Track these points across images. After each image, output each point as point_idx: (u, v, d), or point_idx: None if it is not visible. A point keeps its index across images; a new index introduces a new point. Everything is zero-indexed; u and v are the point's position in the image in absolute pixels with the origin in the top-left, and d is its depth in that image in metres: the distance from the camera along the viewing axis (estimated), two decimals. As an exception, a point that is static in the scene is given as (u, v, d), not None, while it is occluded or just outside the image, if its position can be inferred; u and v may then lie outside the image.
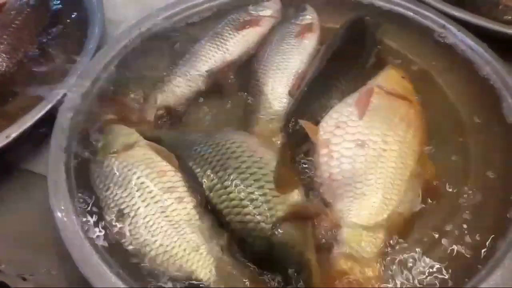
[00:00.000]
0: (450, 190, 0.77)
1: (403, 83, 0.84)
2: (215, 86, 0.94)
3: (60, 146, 0.79)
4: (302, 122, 0.79)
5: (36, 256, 0.78)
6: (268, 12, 1.02)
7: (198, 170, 0.74)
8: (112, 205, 0.73)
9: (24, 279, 0.75)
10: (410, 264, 0.69)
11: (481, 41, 0.92)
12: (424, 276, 0.68)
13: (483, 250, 0.69)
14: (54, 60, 1.00)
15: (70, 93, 0.87)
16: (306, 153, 0.79)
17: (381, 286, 0.65)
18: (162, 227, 0.70)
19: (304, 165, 0.78)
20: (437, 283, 0.67)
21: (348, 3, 1.03)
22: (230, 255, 0.69)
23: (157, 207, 0.71)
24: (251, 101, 0.90)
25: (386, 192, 0.70)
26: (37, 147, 0.89)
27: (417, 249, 0.70)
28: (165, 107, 0.91)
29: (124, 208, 0.72)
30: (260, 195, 0.70)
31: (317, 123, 0.79)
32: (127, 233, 0.71)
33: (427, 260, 0.70)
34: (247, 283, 0.66)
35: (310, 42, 0.96)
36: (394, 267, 0.68)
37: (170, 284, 0.68)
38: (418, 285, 0.67)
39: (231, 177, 0.72)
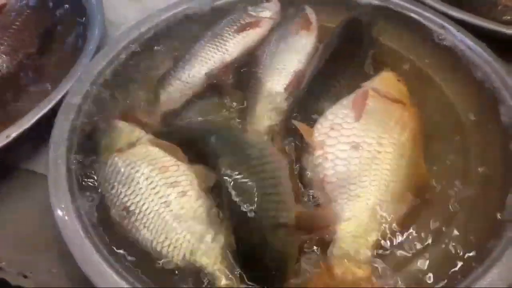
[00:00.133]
0: (446, 189, 0.77)
1: (398, 86, 0.85)
2: (214, 86, 0.94)
3: (60, 146, 0.80)
4: (296, 123, 0.79)
5: (36, 255, 0.78)
6: (267, 13, 1.02)
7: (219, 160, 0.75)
8: (118, 203, 0.74)
9: (25, 276, 0.76)
10: (405, 264, 0.69)
11: (480, 41, 0.92)
12: (419, 276, 0.69)
13: (480, 248, 0.70)
14: (54, 62, 1.01)
15: (70, 93, 0.88)
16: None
17: (376, 286, 0.65)
18: (167, 221, 0.71)
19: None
20: (433, 283, 0.68)
21: (347, 2, 1.03)
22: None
23: (161, 202, 0.72)
24: (249, 100, 0.90)
25: (380, 194, 0.71)
26: (38, 147, 0.89)
27: (411, 249, 0.70)
28: (166, 109, 0.91)
29: (129, 206, 0.73)
30: (275, 193, 0.71)
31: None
32: (133, 230, 0.72)
33: (422, 259, 0.70)
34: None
35: (308, 42, 0.97)
36: (389, 267, 0.68)
37: (176, 273, 0.69)
38: (413, 285, 0.68)
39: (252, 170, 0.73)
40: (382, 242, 0.70)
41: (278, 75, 0.91)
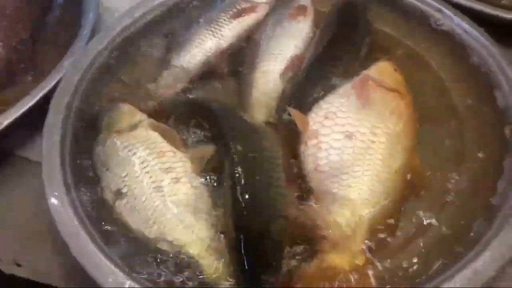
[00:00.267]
0: (439, 175, 0.77)
1: (395, 76, 0.84)
2: (209, 72, 0.93)
3: (54, 133, 0.79)
4: (291, 110, 0.78)
5: (31, 243, 0.79)
6: (263, -2, 1.01)
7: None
8: (111, 184, 0.75)
9: (19, 265, 0.76)
10: (398, 252, 0.69)
11: (477, 25, 0.91)
12: (412, 261, 0.69)
13: (471, 232, 0.70)
14: (48, 47, 1.00)
15: (64, 80, 0.87)
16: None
17: (369, 275, 0.66)
18: (157, 206, 0.71)
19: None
20: (425, 268, 0.68)
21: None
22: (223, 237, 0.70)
23: (153, 186, 0.72)
24: (245, 85, 0.89)
25: (373, 184, 0.70)
26: (32, 134, 0.89)
27: (404, 236, 0.71)
28: (162, 95, 0.90)
29: (122, 188, 0.74)
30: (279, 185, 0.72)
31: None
32: (124, 213, 0.72)
33: (415, 245, 0.70)
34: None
35: (304, 26, 0.96)
36: (382, 255, 0.68)
37: (160, 258, 0.69)
38: (406, 270, 0.68)
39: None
40: (375, 231, 0.70)
41: (274, 60, 0.91)
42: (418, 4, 0.96)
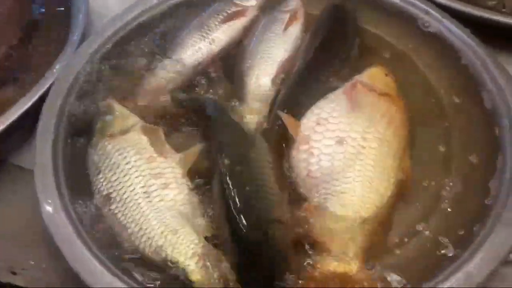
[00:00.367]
0: (430, 177, 0.78)
1: (386, 81, 0.84)
2: (201, 76, 0.93)
3: (46, 139, 0.79)
4: (282, 115, 0.79)
5: (26, 250, 0.79)
6: (253, 1, 1.01)
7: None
8: (101, 188, 0.75)
9: (14, 273, 0.76)
10: (393, 255, 0.70)
11: (463, 26, 0.92)
12: (408, 264, 0.70)
13: (463, 235, 0.71)
14: (38, 53, 1.00)
15: (56, 84, 0.87)
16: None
17: (363, 280, 0.66)
18: (144, 211, 0.71)
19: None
20: (420, 271, 0.68)
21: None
22: (211, 244, 0.69)
23: (141, 192, 0.72)
24: (237, 90, 0.89)
25: (364, 190, 0.71)
26: (25, 141, 0.89)
27: (397, 240, 0.72)
28: (152, 99, 0.90)
29: (111, 192, 0.74)
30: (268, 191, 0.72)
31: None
32: (112, 217, 0.73)
33: (410, 248, 0.71)
34: (223, 273, 0.67)
35: (294, 31, 0.96)
36: (376, 260, 0.69)
37: (145, 266, 0.69)
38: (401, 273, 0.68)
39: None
40: (369, 236, 0.70)
41: (265, 64, 0.91)
42: (406, 6, 0.97)
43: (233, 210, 0.69)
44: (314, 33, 0.95)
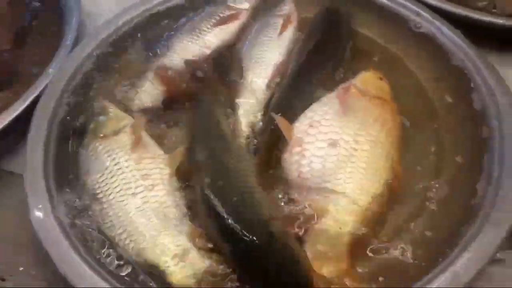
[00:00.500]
0: (420, 178, 0.78)
1: (380, 84, 0.85)
2: (194, 80, 0.92)
3: (37, 145, 0.79)
4: (277, 118, 0.79)
5: (15, 256, 0.78)
6: (246, 4, 1.02)
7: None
8: (90, 189, 0.76)
9: (3, 279, 0.76)
10: (380, 257, 0.70)
11: (454, 27, 0.92)
12: (395, 265, 0.70)
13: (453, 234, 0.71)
14: (31, 57, 1.00)
15: (48, 90, 0.87)
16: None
17: (353, 281, 0.66)
18: (129, 213, 0.71)
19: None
20: (408, 271, 0.69)
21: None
22: (196, 246, 0.69)
23: (127, 193, 0.73)
24: (230, 93, 0.89)
25: (355, 192, 0.71)
26: (16, 147, 0.88)
27: (388, 241, 0.72)
28: (146, 102, 0.90)
29: (98, 193, 0.74)
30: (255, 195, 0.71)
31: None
32: (99, 218, 0.73)
33: (398, 248, 0.71)
34: (205, 275, 0.67)
35: (288, 34, 0.97)
36: (365, 262, 0.70)
37: (129, 269, 0.69)
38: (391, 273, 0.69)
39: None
40: (359, 238, 0.70)
41: (259, 68, 0.91)
42: (398, 8, 0.98)
43: (226, 220, 0.68)
44: (308, 36, 0.95)
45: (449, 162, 0.80)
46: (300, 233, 0.69)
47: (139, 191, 0.73)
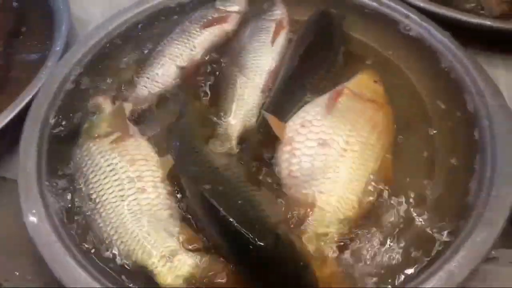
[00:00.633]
0: (413, 179, 0.78)
1: (375, 87, 0.85)
2: (184, 84, 0.93)
3: (30, 150, 0.80)
4: (267, 116, 0.79)
5: (11, 262, 0.78)
6: (235, 7, 1.02)
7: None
8: (83, 189, 0.76)
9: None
10: (369, 257, 0.70)
11: (443, 30, 0.93)
12: (386, 266, 0.70)
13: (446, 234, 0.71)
14: (21, 63, 1.00)
15: (39, 96, 0.87)
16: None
17: (339, 281, 0.67)
18: (120, 214, 0.71)
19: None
20: (400, 271, 0.69)
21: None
22: (185, 248, 0.69)
23: (119, 195, 0.73)
24: (223, 99, 0.89)
25: (343, 192, 0.71)
26: (8, 152, 0.88)
27: (381, 239, 0.72)
28: (136, 107, 0.90)
29: (91, 194, 0.74)
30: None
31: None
32: (92, 219, 0.73)
33: (391, 249, 0.71)
34: (193, 276, 0.67)
35: (280, 39, 0.96)
36: (353, 262, 0.70)
37: (123, 271, 0.69)
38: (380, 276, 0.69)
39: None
40: (346, 236, 0.70)
41: (253, 74, 0.91)
42: (387, 10, 0.98)
43: (231, 224, 0.67)
44: (301, 39, 0.95)
45: (442, 163, 0.80)
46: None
47: (131, 193, 0.73)
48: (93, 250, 0.72)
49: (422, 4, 0.99)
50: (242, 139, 0.84)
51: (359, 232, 0.72)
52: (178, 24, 1.00)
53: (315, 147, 0.75)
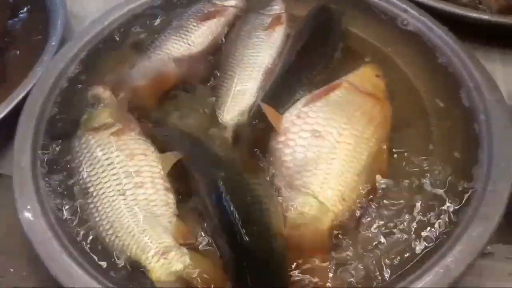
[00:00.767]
0: (409, 175, 0.77)
1: (375, 81, 0.85)
2: (182, 79, 0.92)
3: (24, 146, 0.79)
4: (263, 105, 0.79)
5: (5, 258, 0.78)
6: (232, 2, 1.02)
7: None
8: (81, 182, 0.75)
9: (-6, 281, 0.76)
10: (368, 250, 0.70)
11: (441, 24, 0.93)
12: (382, 260, 0.69)
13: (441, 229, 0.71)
14: (16, 58, 1.00)
15: (33, 92, 0.87)
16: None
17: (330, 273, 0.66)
18: (117, 209, 0.71)
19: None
20: (395, 266, 0.68)
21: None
22: (179, 244, 0.69)
23: (117, 189, 0.72)
24: (219, 94, 0.88)
25: (335, 183, 0.71)
26: (4, 148, 0.88)
27: (376, 235, 0.71)
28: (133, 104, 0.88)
29: (89, 187, 0.74)
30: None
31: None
32: (88, 213, 0.73)
33: (385, 245, 0.70)
34: (189, 273, 0.66)
35: (278, 35, 0.96)
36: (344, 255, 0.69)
37: (120, 268, 0.69)
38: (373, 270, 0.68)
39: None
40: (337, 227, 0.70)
41: (251, 70, 0.90)
42: (385, 4, 0.98)
43: (235, 220, 0.67)
44: (298, 35, 0.95)
45: (439, 158, 0.79)
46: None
47: (128, 188, 0.72)
48: (90, 247, 0.71)
49: (419, -2, 0.98)
50: (237, 133, 0.83)
51: (350, 224, 0.71)
52: (175, 19, 0.99)
53: (308, 138, 0.75)
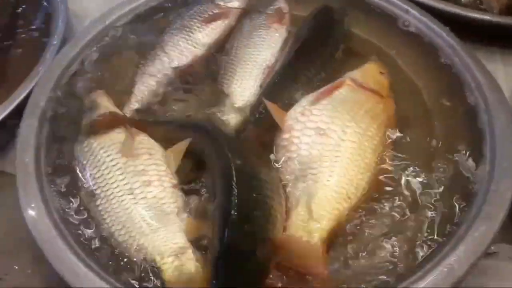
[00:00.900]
0: (413, 173, 0.78)
1: (379, 78, 0.85)
2: (185, 79, 0.93)
3: (28, 144, 0.79)
4: (267, 103, 0.79)
5: (11, 256, 0.78)
6: (236, 3, 1.02)
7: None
8: (86, 185, 0.75)
9: (-1, 279, 0.75)
10: (371, 247, 0.70)
11: (443, 24, 0.93)
12: (382, 260, 0.69)
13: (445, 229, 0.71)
14: (17, 58, 1.00)
15: (35, 91, 0.86)
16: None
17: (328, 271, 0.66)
18: (126, 208, 0.71)
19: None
20: (398, 264, 0.69)
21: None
22: (193, 244, 0.69)
23: (125, 189, 0.72)
24: (221, 93, 0.89)
25: (339, 181, 0.71)
26: (6, 146, 0.88)
27: (379, 233, 0.71)
28: (137, 104, 0.90)
29: (95, 189, 0.74)
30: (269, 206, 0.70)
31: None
32: (97, 214, 0.73)
33: (385, 243, 0.70)
34: (199, 272, 0.66)
35: (280, 34, 0.96)
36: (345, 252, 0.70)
37: (126, 267, 0.69)
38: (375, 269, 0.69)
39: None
40: (340, 228, 0.70)
41: (252, 69, 0.91)
42: (387, 5, 0.98)
43: (230, 215, 0.66)
44: (300, 35, 0.95)
45: (442, 157, 0.80)
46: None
47: (136, 187, 0.72)
48: (94, 245, 0.71)
49: (421, -1, 0.99)
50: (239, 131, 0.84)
51: (353, 222, 0.71)
52: (178, 19, 0.99)
53: (312, 136, 0.75)
